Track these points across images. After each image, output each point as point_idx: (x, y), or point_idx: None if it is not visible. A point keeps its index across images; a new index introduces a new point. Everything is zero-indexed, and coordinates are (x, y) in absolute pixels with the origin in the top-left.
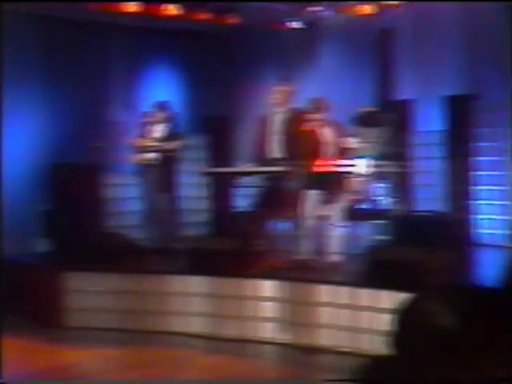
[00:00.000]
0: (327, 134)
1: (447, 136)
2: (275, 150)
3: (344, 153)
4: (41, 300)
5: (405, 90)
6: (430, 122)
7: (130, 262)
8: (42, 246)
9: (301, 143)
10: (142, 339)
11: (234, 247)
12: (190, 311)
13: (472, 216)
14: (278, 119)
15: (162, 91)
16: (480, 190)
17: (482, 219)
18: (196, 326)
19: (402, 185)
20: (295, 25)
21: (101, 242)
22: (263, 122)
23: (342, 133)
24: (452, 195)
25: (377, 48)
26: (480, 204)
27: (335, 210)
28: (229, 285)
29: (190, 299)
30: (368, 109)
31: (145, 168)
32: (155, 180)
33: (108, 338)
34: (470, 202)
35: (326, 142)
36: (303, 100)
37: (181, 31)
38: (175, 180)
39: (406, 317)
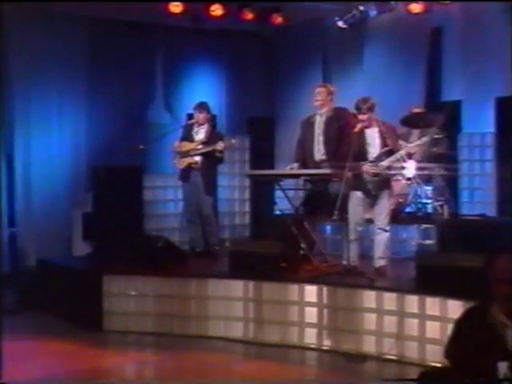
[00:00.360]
0: (374, 134)
1: (498, 138)
2: (319, 151)
3: (392, 154)
4: (80, 303)
5: (455, 91)
6: (481, 123)
7: (170, 266)
8: (82, 248)
9: (344, 144)
10: (181, 344)
11: (277, 251)
12: (232, 316)
13: None
14: (320, 120)
15: (205, 92)
16: None
17: None
18: (237, 330)
19: (450, 188)
20: (341, 24)
21: (141, 245)
22: (307, 124)
23: (390, 134)
24: (503, 199)
25: (426, 47)
26: None
27: (382, 214)
28: (272, 289)
29: (231, 303)
30: (417, 109)
31: (187, 170)
32: (198, 182)
33: (147, 342)
34: None
35: (373, 143)
36: (350, 100)
37: (225, 31)
38: (217, 182)
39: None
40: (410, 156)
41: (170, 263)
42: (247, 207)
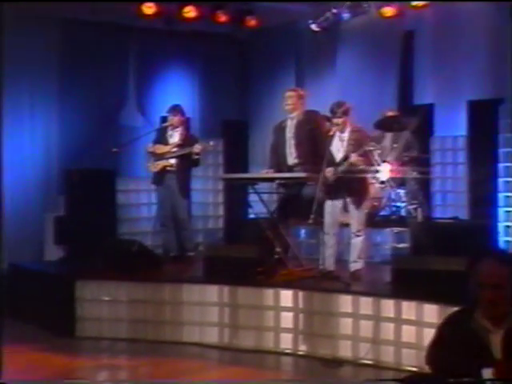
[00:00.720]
0: (343, 139)
1: (470, 141)
2: (291, 155)
3: (365, 158)
4: (53, 308)
5: (427, 94)
6: (453, 126)
7: (144, 270)
8: (54, 253)
9: (318, 147)
10: (156, 350)
11: (252, 255)
12: (207, 321)
13: (497, 224)
14: (291, 124)
15: (178, 95)
16: (506, 196)
17: (509, 227)
18: (212, 336)
19: (423, 191)
20: (314, 27)
21: (115, 250)
22: (278, 129)
23: (358, 140)
24: (475, 202)
25: (398, 51)
26: (507, 211)
27: (356, 218)
28: (247, 294)
29: (206, 309)
30: (391, 113)
31: (162, 173)
32: (173, 186)
33: (121, 348)
34: (495, 208)
35: (340, 148)
36: (323, 104)
37: (198, 34)
38: (191, 186)
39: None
40: (384, 159)
41: (145, 268)
42: (221, 211)
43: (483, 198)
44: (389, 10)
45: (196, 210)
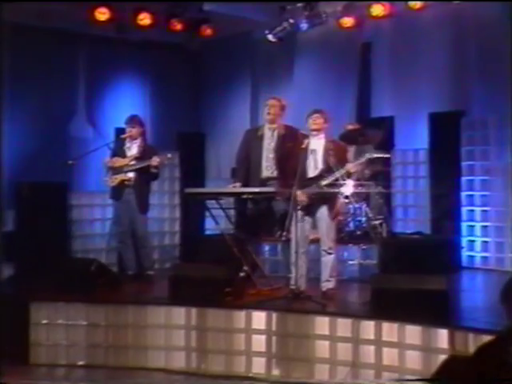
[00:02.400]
0: (324, 149)
1: (431, 154)
2: (268, 169)
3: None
4: (3, 333)
5: (386, 107)
6: (413, 139)
7: (104, 291)
8: (2, 272)
9: (291, 161)
10: (117, 377)
11: (221, 275)
12: (173, 345)
13: (461, 238)
14: (271, 136)
15: (130, 106)
16: (470, 210)
17: (473, 241)
18: (179, 361)
19: (386, 206)
20: (271, 37)
21: (71, 269)
22: (254, 137)
23: (336, 151)
24: (438, 216)
25: (357, 62)
26: (470, 226)
27: (326, 234)
28: (216, 316)
29: (172, 332)
30: (351, 126)
31: (120, 188)
32: (131, 200)
33: (79, 376)
34: (458, 223)
35: (316, 160)
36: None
37: (151, 43)
38: (150, 201)
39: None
40: (349, 175)
41: (104, 288)
42: (177, 226)
43: (446, 212)
44: (348, 21)
45: (152, 225)
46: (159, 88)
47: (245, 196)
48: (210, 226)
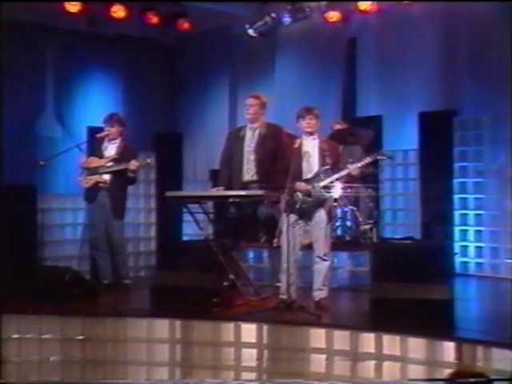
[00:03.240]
0: (313, 150)
1: (422, 155)
2: (248, 171)
3: (332, 174)
4: None
5: (374, 105)
6: (402, 140)
7: (80, 302)
8: None
9: (279, 162)
10: None
11: (207, 284)
12: (155, 360)
13: (453, 244)
14: (251, 136)
15: (101, 103)
16: (463, 214)
17: (466, 247)
18: (162, 376)
19: (376, 209)
20: (252, 32)
21: (44, 278)
22: (235, 138)
23: (332, 151)
24: (428, 220)
25: (342, 59)
26: (463, 230)
27: (320, 240)
28: (203, 329)
29: (155, 346)
30: (339, 125)
31: (94, 190)
32: (106, 204)
33: None
34: (450, 227)
35: (310, 160)
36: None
37: (124, 37)
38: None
39: None
40: (351, 177)
41: (80, 299)
42: (153, 232)
43: (437, 216)
44: (334, 15)
45: (126, 231)
46: (133, 85)
47: (231, 200)
48: (187, 232)
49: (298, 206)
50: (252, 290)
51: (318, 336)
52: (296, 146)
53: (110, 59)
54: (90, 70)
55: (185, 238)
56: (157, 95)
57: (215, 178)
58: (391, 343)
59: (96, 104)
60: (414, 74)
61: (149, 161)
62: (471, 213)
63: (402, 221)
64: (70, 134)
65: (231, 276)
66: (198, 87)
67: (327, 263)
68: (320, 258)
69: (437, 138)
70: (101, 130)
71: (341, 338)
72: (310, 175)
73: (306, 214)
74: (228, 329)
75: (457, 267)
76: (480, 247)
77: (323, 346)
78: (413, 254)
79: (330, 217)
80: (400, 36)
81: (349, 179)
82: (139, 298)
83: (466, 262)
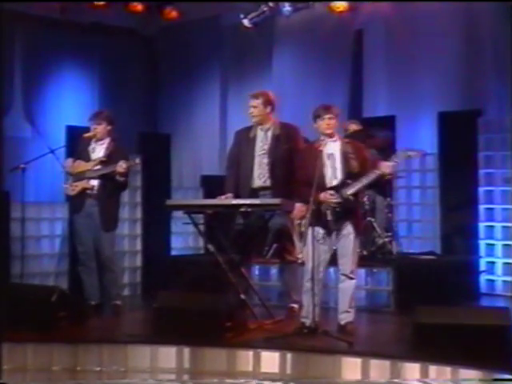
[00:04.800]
0: (336, 153)
1: (442, 161)
2: (260, 177)
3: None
4: None
5: (385, 104)
6: (417, 143)
7: (70, 327)
8: None
9: (298, 167)
10: None
11: (215, 305)
12: None
13: (479, 260)
14: (264, 137)
15: (74, 100)
16: (489, 227)
17: (493, 263)
18: None
19: (391, 220)
20: (247, 23)
21: (26, 299)
22: (245, 139)
23: (358, 153)
24: (449, 233)
25: (349, 53)
26: (490, 245)
27: (347, 255)
28: (216, 357)
29: (157, 377)
30: (354, 126)
31: (81, 198)
32: (94, 214)
33: None
34: (475, 242)
35: (334, 165)
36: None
37: (99, 27)
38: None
39: None
40: (384, 177)
41: (70, 324)
42: (139, 245)
43: (459, 228)
44: (341, 5)
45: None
46: (111, 80)
47: (243, 209)
48: (176, 245)
49: (325, 217)
50: (263, 312)
51: (352, 365)
52: (319, 148)
53: (86, 51)
54: (63, 63)
55: (174, 252)
56: (137, 93)
57: (206, 184)
58: (440, 375)
59: (69, 100)
60: (431, 70)
61: (137, 161)
62: (498, 225)
63: (418, 233)
64: (40, 134)
65: (242, 296)
66: (184, 84)
67: (354, 282)
68: (346, 276)
69: (459, 141)
70: (81, 129)
71: (379, 368)
72: (335, 182)
73: (333, 227)
74: (246, 357)
75: (482, 286)
76: (508, 263)
77: (358, 376)
78: (437, 271)
79: (359, 229)
80: (414, 27)
81: (378, 183)
82: (135, 322)
83: (492, 280)
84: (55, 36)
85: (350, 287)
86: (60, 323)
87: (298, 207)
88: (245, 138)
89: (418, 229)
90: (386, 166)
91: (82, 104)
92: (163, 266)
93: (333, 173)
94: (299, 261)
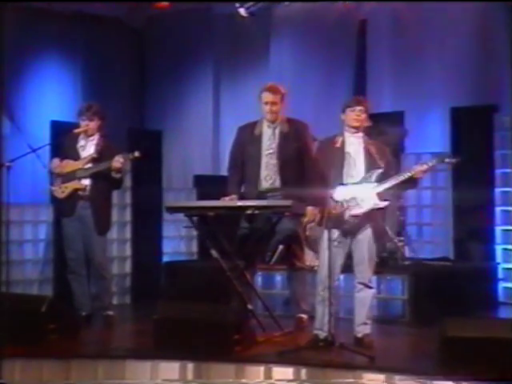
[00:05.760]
0: (358, 152)
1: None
2: (268, 178)
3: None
4: None
5: (392, 100)
6: (427, 140)
7: (62, 340)
8: None
9: (311, 166)
10: None
11: (223, 316)
12: None
13: (496, 266)
14: (271, 135)
15: (56, 94)
16: (506, 230)
17: (510, 269)
18: None
19: (404, 223)
20: (243, 12)
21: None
22: (249, 137)
23: (382, 153)
24: (462, 238)
25: (354, 43)
26: (507, 250)
27: (365, 262)
28: (224, 373)
29: None
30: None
31: (71, 200)
32: (86, 217)
33: None
34: (491, 246)
35: (356, 165)
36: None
37: (82, 16)
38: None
39: None
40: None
41: (61, 336)
42: (128, 250)
43: (474, 232)
44: None
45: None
46: (95, 73)
47: (250, 212)
48: (168, 250)
49: (344, 219)
50: (269, 323)
51: (374, 382)
52: (338, 145)
53: (68, 42)
54: (44, 53)
55: (165, 258)
56: (123, 86)
57: (200, 185)
58: None
59: (51, 94)
60: (440, 63)
61: (136, 154)
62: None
63: (428, 238)
64: (21, 130)
65: (249, 306)
66: (174, 77)
67: (373, 291)
68: (365, 284)
69: (473, 138)
70: (67, 124)
71: None
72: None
73: (352, 230)
74: (256, 373)
75: (500, 294)
76: None
77: None
78: (453, 278)
79: (379, 233)
80: (422, 17)
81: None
82: (132, 334)
83: (510, 288)
84: (35, 25)
85: (369, 297)
86: (50, 336)
87: (310, 210)
88: (249, 136)
89: (428, 233)
90: (419, 171)
91: (64, 98)
92: (155, 273)
93: (354, 171)
94: (314, 268)
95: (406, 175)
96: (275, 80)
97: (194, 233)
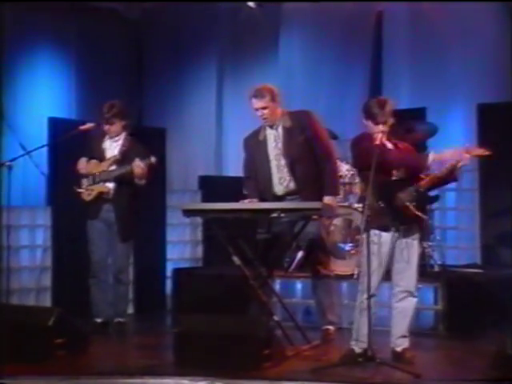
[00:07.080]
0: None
1: (483, 159)
2: (282, 181)
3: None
4: None
5: (410, 96)
6: (450, 138)
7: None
8: None
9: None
10: None
11: (257, 331)
12: None
13: None
14: (274, 136)
15: (49, 89)
16: None
17: None
18: None
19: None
20: (251, 3)
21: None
22: (255, 144)
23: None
24: (492, 243)
25: (370, 37)
26: None
27: (409, 269)
28: None
29: None
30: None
31: (97, 203)
32: (110, 221)
33: None
34: None
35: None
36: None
37: (81, 8)
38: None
39: None
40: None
41: (70, 352)
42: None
43: (504, 237)
44: None
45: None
46: (90, 68)
47: (275, 215)
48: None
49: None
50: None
51: None
52: (377, 141)
53: (61, 34)
54: (36, 47)
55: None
56: (120, 82)
57: (205, 186)
58: None
59: (44, 90)
60: (462, 57)
61: (152, 160)
62: None
63: (452, 242)
64: (10, 128)
65: (275, 317)
66: (174, 73)
67: (415, 300)
68: (409, 292)
69: (502, 136)
70: (66, 121)
71: None
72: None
73: (399, 231)
74: None
75: None
76: None
77: None
78: (487, 286)
79: (424, 236)
80: (442, 7)
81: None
82: (147, 348)
83: None
84: (27, 17)
85: (412, 307)
86: (58, 352)
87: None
88: (255, 144)
89: (452, 237)
90: (466, 157)
91: (57, 94)
92: (160, 281)
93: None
94: (354, 276)
95: (440, 174)
96: (284, 76)
97: (200, 238)
